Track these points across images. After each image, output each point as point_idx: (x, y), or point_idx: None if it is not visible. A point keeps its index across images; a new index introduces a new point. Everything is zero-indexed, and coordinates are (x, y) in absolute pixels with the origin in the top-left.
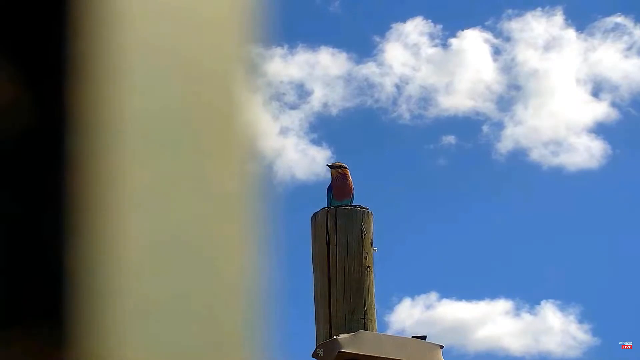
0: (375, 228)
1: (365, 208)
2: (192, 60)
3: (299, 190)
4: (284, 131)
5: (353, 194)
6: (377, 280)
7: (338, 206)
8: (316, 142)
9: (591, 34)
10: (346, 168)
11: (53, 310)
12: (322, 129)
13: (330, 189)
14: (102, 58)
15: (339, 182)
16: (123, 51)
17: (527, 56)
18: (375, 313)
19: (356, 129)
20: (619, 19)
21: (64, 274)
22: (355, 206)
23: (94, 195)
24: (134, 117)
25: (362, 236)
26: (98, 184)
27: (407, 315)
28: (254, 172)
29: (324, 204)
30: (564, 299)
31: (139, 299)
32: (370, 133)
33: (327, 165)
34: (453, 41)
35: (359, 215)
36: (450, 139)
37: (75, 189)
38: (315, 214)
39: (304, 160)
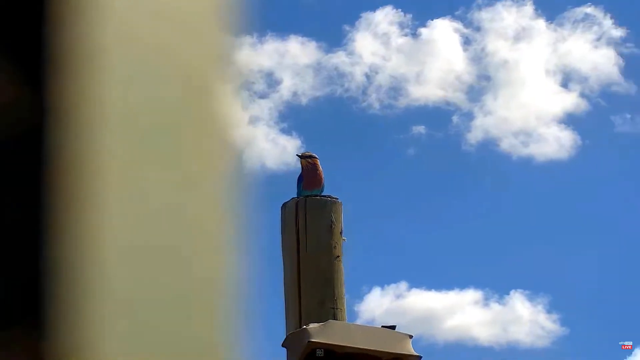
0: (345, 218)
1: (335, 198)
2: (174, 56)
3: (269, 179)
4: (253, 120)
5: (323, 184)
6: (346, 270)
7: (308, 196)
8: (286, 132)
9: (561, 25)
10: (316, 158)
11: (33, 310)
12: (292, 118)
13: (300, 179)
14: (81, 55)
15: (308, 172)
16: (103, 47)
17: (498, 46)
18: (345, 303)
19: (326, 119)
20: (589, 9)
21: (44, 274)
22: (325, 196)
23: (74, 193)
24: (114, 114)
25: (331, 226)
26: (79, 182)
27: (376, 305)
28: (233, 167)
29: (294, 193)
30: (533, 289)
31: (120, 298)
32: (340, 122)
33: (296, 155)
34: (423, 31)
35: (328, 206)
36: (420, 128)
37: (56, 188)
38: (285, 204)
39: (274, 150)
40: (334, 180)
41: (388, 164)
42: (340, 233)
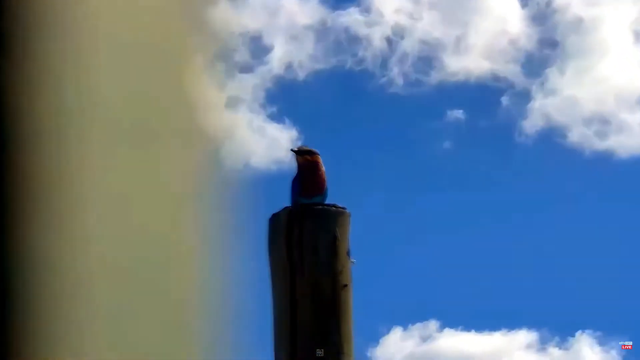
0: (354, 233)
1: (342, 208)
2: (134, 20)
3: (254, 182)
4: (232, 103)
5: (326, 189)
6: (356, 303)
7: (306, 205)
8: (276, 118)
9: None
10: (317, 154)
11: None
12: (285, 99)
13: (296, 181)
14: (49, 38)
15: (307, 173)
16: (65, 27)
17: (569, 0)
18: (353, 346)
19: (331, 101)
20: None
21: (7, 280)
22: (328, 205)
23: (36, 192)
24: (78, 102)
25: (336, 244)
26: (45, 177)
27: (397, 349)
28: (209, 166)
29: (287, 201)
30: (606, 329)
31: (91, 304)
32: (351, 106)
33: (291, 150)
34: None
35: (332, 217)
36: (458, 114)
37: (20, 185)
38: (275, 215)
39: (261, 143)
40: (341, 184)
41: (413, 162)
42: (348, 253)
